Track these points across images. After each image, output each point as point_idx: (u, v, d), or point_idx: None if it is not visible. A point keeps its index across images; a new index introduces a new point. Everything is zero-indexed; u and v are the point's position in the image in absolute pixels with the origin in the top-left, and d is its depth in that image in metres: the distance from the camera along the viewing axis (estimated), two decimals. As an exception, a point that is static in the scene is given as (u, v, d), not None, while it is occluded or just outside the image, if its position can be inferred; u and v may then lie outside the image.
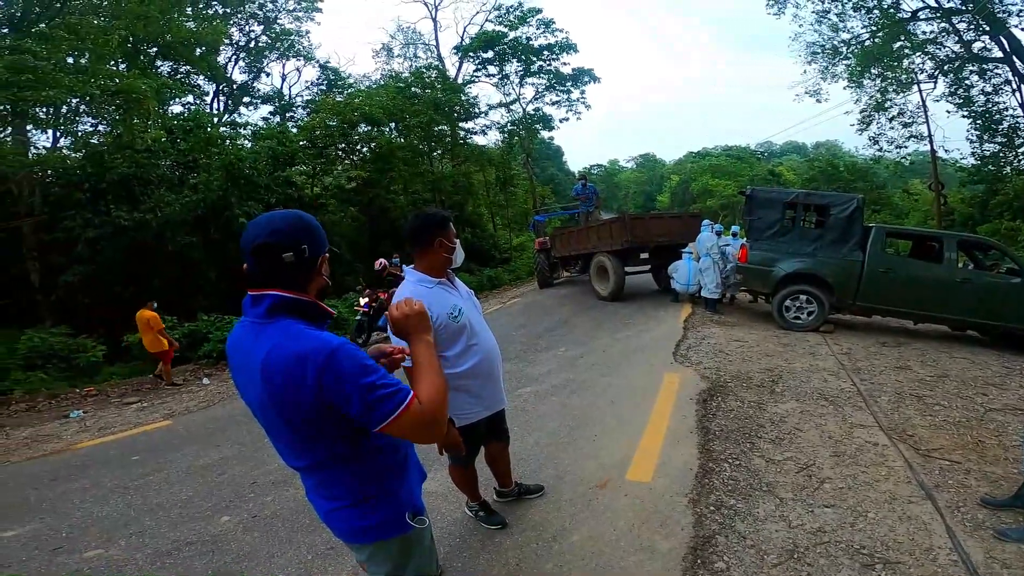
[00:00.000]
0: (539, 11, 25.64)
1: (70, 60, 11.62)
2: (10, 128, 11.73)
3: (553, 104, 27.21)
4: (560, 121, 27.82)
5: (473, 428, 2.51)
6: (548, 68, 26.25)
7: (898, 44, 18.87)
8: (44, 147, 13.63)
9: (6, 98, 9.61)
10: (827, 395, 4.88)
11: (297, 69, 26.11)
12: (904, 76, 19.39)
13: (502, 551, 2.68)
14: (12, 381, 8.25)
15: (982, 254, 8.20)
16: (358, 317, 9.72)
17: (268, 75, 25.33)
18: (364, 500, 1.37)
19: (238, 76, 24.27)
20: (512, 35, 25.38)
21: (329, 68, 25.67)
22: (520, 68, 26.28)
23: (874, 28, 19.28)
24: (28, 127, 12.39)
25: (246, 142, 15.48)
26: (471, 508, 2.97)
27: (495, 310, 11.39)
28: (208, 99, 22.92)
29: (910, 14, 18.75)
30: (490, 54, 25.70)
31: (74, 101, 11.93)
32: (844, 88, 21.45)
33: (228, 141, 14.65)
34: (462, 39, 26.81)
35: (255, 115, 24.60)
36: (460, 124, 23.36)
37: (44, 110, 11.85)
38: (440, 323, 2.26)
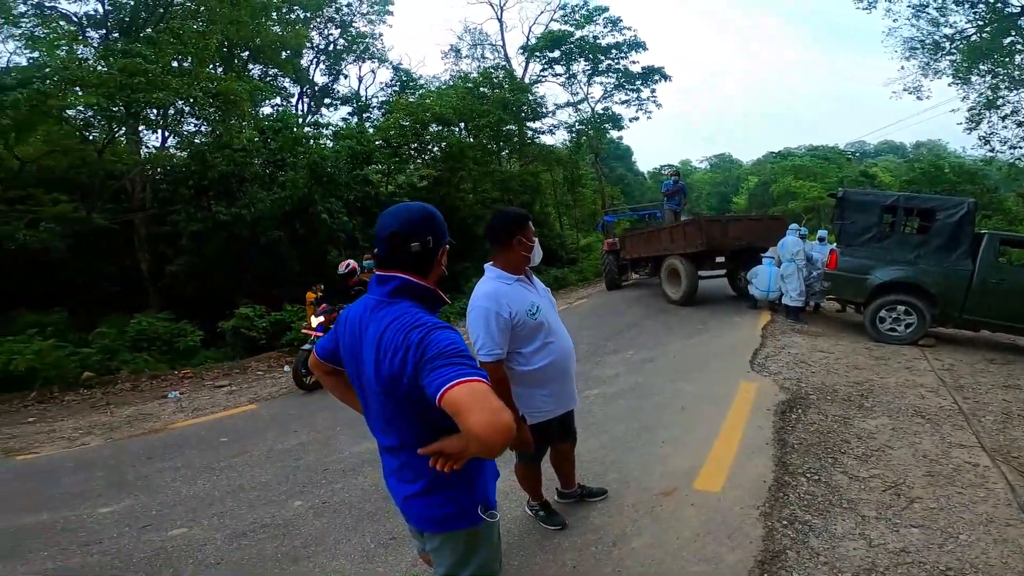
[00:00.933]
0: (605, 9, 25.35)
1: (174, 64, 12.51)
2: (124, 128, 12.98)
3: (622, 103, 26.77)
4: (630, 120, 27.19)
5: (544, 427, 2.54)
6: (616, 67, 25.84)
7: (1008, 39, 16.99)
8: (154, 146, 15.03)
9: (122, 99, 10.58)
10: (924, 412, 4.51)
11: (372, 71, 27.21)
12: (1017, 73, 17.43)
13: (559, 552, 2.70)
14: (120, 361, 9.15)
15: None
16: (306, 346, 6.97)
17: (346, 77, 26.56)
18: (440, 488, 1.44)
19: (319, 78, 25.67)
20: (578, 34, 25.23)
21: (401, 70, 26.61)
22: (587, 67, 26.02)
23: (980, 23, 17.47)
24: (140, 127, 13.63)
25: (328, 142, 16.37)
26: (532, 507, 3.01)
27: (561, 310, 11.04)
28: (293, 100, 24.40)
29: (1019, 9, 16.83)
30: (556, 53, 25.61)
31: (179, 103, 12.80)
32: (949, 85, 19.58)
33: (312, 141, 15.55)
34: (528, 39, 26.89)
35: (335, 116, 26.07)
36: (528, 124, 23.51)
37: (154, 111, 12.89)
38: (518, 320, 2.31)
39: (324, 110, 25.79)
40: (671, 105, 77.97)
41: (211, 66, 14.32)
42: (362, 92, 26.85)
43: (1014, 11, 16.93)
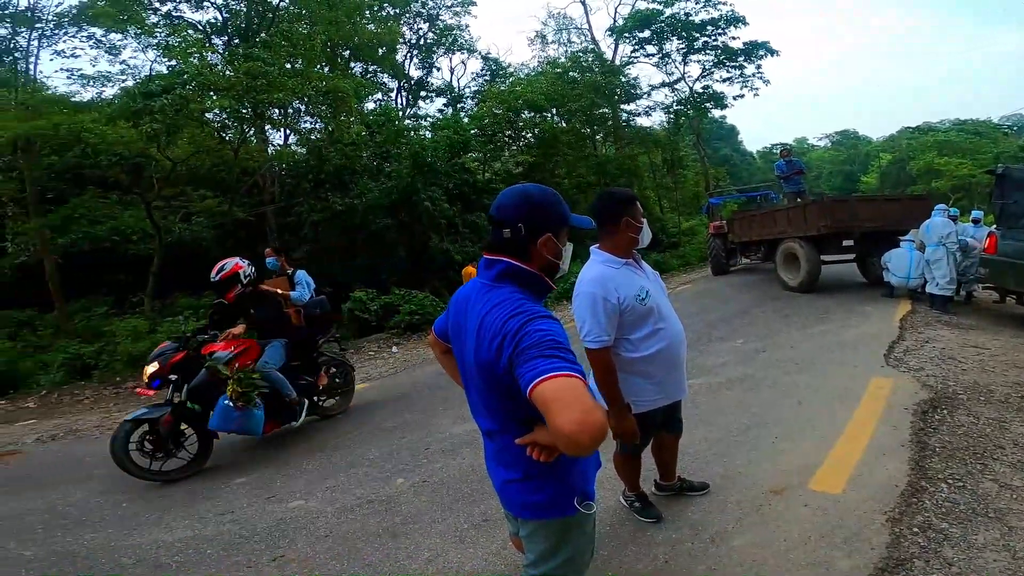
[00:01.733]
0: (695, -17, 23.75)
1: (288, 65, 13.33)
2: (253, 128, 14.38)
3: (724, 81, 24.98)
4: (734, 98, 25.24)
5: (650, 416, 2.46)
6: (714, 44, 24.10)
7: None
8: (278, 144, 16.53)
9: (248, 101, 11.66)
10: None
11: (463, 62, 27.68)
12: None
13: (652, 546, 2.59)
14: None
15: None
16: (137, 413, 4.24)
17: (438, 69, 27.50)
18: (537, 475, 1.42)
19: (414, 72, 26.44)
20: (668, 12, 23.82)
21: (490, 59, 26.87)
22: (682, 45, 24.53)
23: None
24: (266, 127, 15.02)
25: (427, 133, 17.06)
26: (627, 498, 2.93)
27: (682, 291, 10.94)
28: (392, 95, 25.42)
29: None
30: (647, 33, 24.34)
31: (296, 102, 13.83)
32: None
33: (413, 133, 16.29)
34: (615, 20, 25.83)
35: (431, 108, 26.81)
36: (622, 106, 22.80)
37: (276, 111, 14.12)
38: (627, 305, 2.23)
39: (421, 103, 26.66)
40: (782, 81, 71.61)
41: (319, 66, 15.20)
42: (455, 83, 27.59)
43: None
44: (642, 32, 24.60)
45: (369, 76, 22.45)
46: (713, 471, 3.29)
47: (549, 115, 17.73)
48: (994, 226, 7.53)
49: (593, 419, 1.03)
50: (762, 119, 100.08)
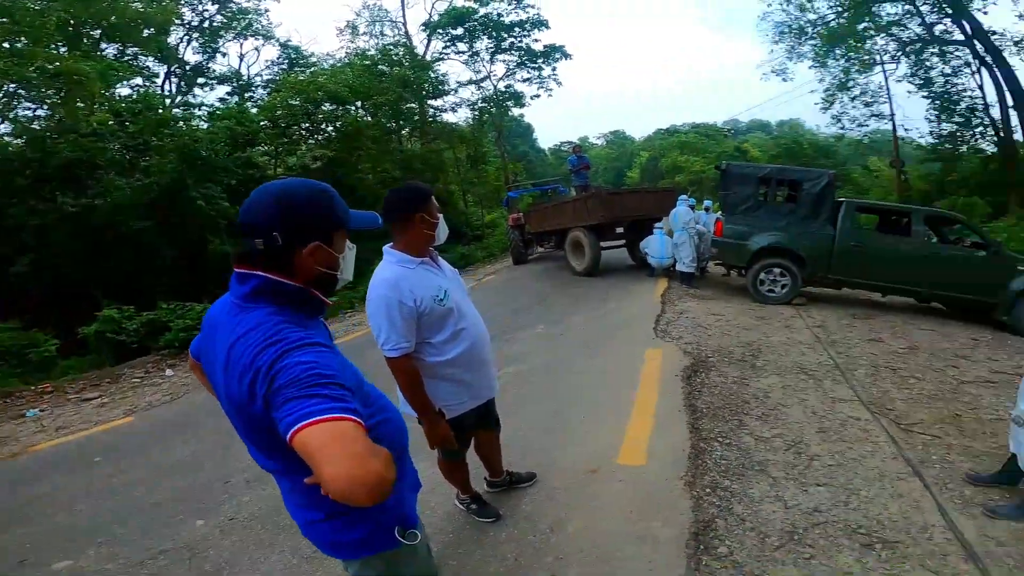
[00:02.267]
0: (511, -14, 25.14)
1: (6, 44, 11.19)
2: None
3: (524, 81, 26.91)
4: (531, 98, 27.42)
5: (464, 418, 2.39)
6: (519, 45, 25.83)
7: (863, 25, 19.10)
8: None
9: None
10: (806, 369, 4.94)
11: (256, 49, 25.47)
12: (867, 57, 19.72)
13: (498, 545, 2.58)
14: (-43, 383, 7.74)
15: (947, 228, 8.40)
16: None
17: (224, 55, 24.63)
18: (340, 513, 1.21)
19: (191, 57, 23.33)
20: (483, 11, 24.83)
21: (290, 47, 24.98)
22: (491, 45, 25.77)
23: (840, 8, 19.48)
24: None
25: (202, 123, 14.81)
26: (463, 501, 2.87)
27: (470, 288, 11.04)
28: (159, 81, 21.97)
29: None
30: (459, 31, 25.09)
31: (11, 86, 11.37)
32: (809, 68, 21.84)
33: (182, 123, 13.99)
34: (430, 16, 26.02)
35: (211, 96, 23.73)
36: (429, 102, 22.90)
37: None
38: (425, 307, 2.10)
39: (198, 90, 23.57)
40: (570, 83, 79.71)
41: (51, 46, 12.65)
42: (244, 71, 24.94)
43: None
44: (455, 29, 24.96)
45: (127, 59, 18.86)
46: (534, 459, 3.39)
47: (353, 108, 16.77)
48: (720, 213, 9.27)
49: (365, 471, 0.88)
50: (553, 119, 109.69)
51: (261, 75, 24.66)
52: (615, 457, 3.32)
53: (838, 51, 20.26)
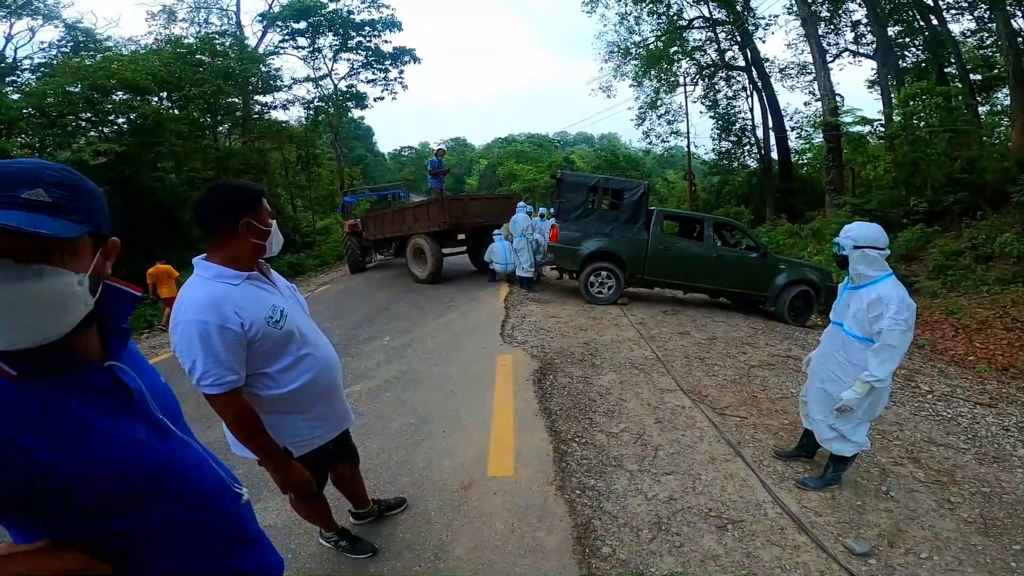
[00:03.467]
0: (366, -18, 23.85)
1: None
2: None
3: (368, 82, 25.93)
4: (375, 100, 26.44)
5: (317, 454, 2.07)
6: (367, 45, 24.75)
7: (674, 49, 22.11)
8: None
9: None
10: (636, 364, 5.50)
11: (31, 29, 20.55)
12: (672, 78, 22.88)
13: (382, 582, 2.41)
14: None
15: (728, 233, 10.00)
16: None
17: None
18: None
19: None
20: (332, 6, 23.32)
21: (79, 29, 20.55)
22: (336, 42, 24.32)
23: (659, 33, 22.30)
24: None
25: None
26: (328, 539, 2.58)
27: (303, 298, 10.32)
28: None
29: (687, 22, 22.14)
30: (303, 25, 23.24)
31: None
32: (629, 86, 24.79)
33: None
34: (271, 6, 23.72)
35: None
36: (257, 97, 20.75)
37: None
38: (255, 332, 1.72)
39: None
40: (414, 88, 78.52)
41: None
42: (9, 53, 19.97)
43: (683, 23, 21.79)
44: (298, 23, 23.05)
45: None
46: (402, 482, 3.25)
47: (156, 99, 14.27)
48: (553, 219, 9.87)
49: None
50: (394, 123, 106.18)
51: (32, 58, 20.02)
52: (486, 470, 3.32)
53: (652, 72, 23.15)
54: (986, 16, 17.53)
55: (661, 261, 8.75)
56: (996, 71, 18.08)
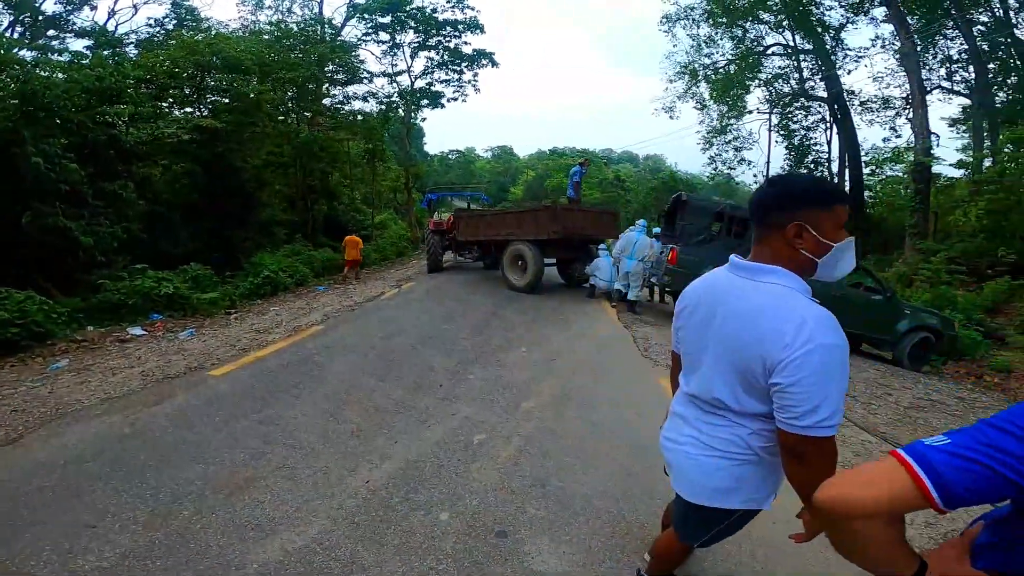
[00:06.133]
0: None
1: None
2: None
3: (442, 82, 25.69)
4: (448, 100, 25.99)
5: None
6: (447, 44, 24.59)
7: (750, 76, 21.63)
8: None
9: None
10: None
11: (134, 5, 21.42)
12: (742, 104, 22.43)
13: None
14: None
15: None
16: None
17: (93, 8, 20.43)
18: None
19: (51, 6, 19.15)
20: (418, 2, 23.36)
21: (183, 5, 21.00)
22: (416, 40, 24.25)
23: (733, 57, 21.84)
24: None
25: (59, 74, 11.56)
26: None
27: (390, 296, 10.06)
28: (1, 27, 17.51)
29: (763, 48, 21.77)
30: (387, 19, 23.19)
31: None
32: (694, 108, 24.24)
33: (28, 67, 10.79)
34: None
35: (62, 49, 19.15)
36: (343, 88, 20.68)
37: None
38: None
39: (53, 43, 18.95)
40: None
41: None
42: (112, 27, 20.88)
43: (760, 49, 21.32)
44: (384, 17, 22.96)
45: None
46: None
47: (251, 81, 14.32)
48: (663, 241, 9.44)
49: None
50: (440, 126, 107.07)
51: (137, 32, 20.48)
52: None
53: (723, 96, 22.61)
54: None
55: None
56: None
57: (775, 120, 22.61)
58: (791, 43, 21.45)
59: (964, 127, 20.03)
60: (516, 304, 9.34)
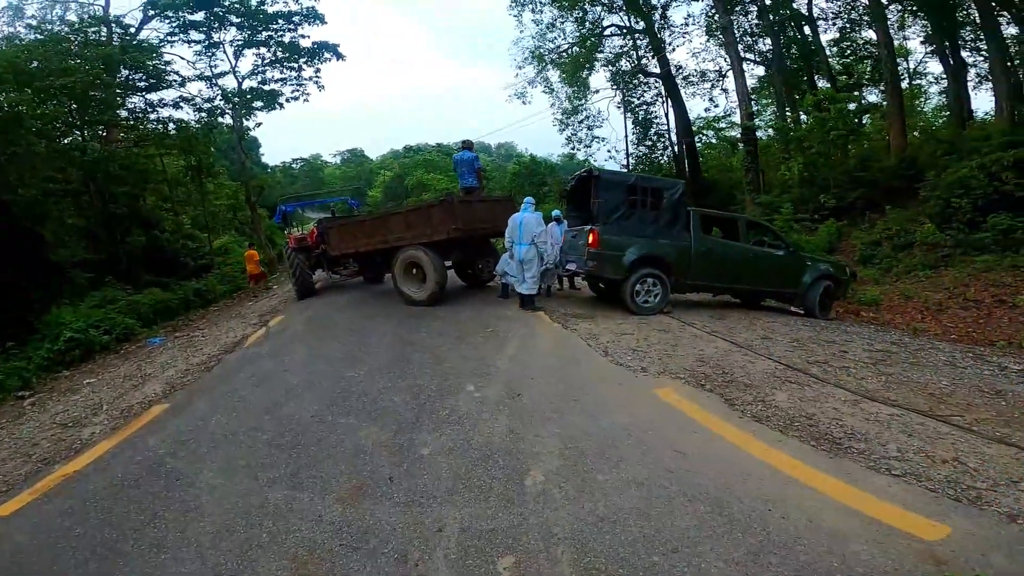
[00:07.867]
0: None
1: None
2: None
3: (276, 81, 21.80)
4: (288, 100, 22.17)
5: None
6: (279, 40, 20.85)
7: (596, 57, 22.02)
8: None
9: None
10: (784, 377, 4.77)
11: None
12: (584, 85, 22.82)
13: None
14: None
15: (753, 232, 9.27)
16: None
17: None
18: None
19: None
20: None
21: None
22: (240, 36, 20.27)
23: (575, 40, 22.03)
24: None
25: None
26: None
27: (257, 339, 7.69)
28: None
29: (601, 29, 22.31)
30: (199, 15, 18.93)
31: None
32: (543, 92, 24.35)
33: None
34: None
35: None
36: (144, 95, 16.44)
37: None
38: None
39: None
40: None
41: None
42: None
43: (598, 31, 21.63)
44: (193, 13, 18.64)
45: None
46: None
47: (13, 92, 10.17)
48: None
49: None
50: (278, 134, 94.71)
51: None
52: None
53: (569, 78, 22.82)
54: (848, 28, 19.72)
55: (705, 264, 7.99)
56: (855, 78, 20.63)
57: (619, 97, 23.51)
58: (626, 23, 22.22)
59: (765, 94, 22.49)
60: (426, 322, 7.66)
